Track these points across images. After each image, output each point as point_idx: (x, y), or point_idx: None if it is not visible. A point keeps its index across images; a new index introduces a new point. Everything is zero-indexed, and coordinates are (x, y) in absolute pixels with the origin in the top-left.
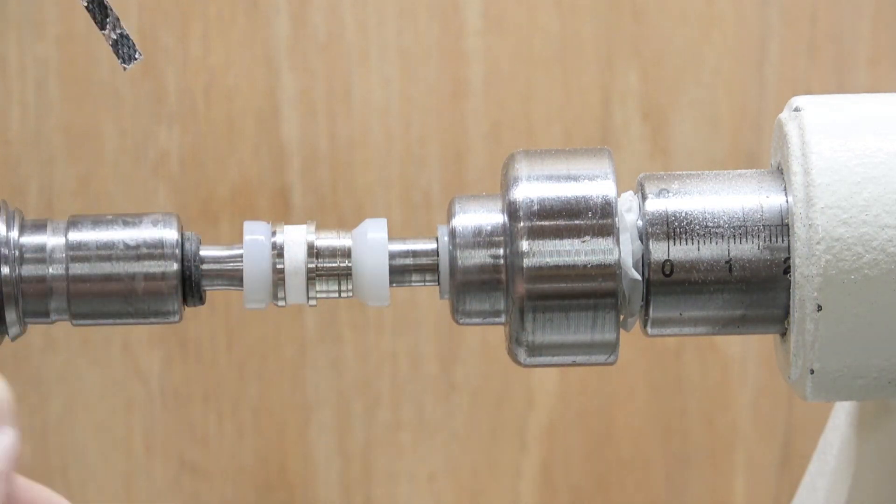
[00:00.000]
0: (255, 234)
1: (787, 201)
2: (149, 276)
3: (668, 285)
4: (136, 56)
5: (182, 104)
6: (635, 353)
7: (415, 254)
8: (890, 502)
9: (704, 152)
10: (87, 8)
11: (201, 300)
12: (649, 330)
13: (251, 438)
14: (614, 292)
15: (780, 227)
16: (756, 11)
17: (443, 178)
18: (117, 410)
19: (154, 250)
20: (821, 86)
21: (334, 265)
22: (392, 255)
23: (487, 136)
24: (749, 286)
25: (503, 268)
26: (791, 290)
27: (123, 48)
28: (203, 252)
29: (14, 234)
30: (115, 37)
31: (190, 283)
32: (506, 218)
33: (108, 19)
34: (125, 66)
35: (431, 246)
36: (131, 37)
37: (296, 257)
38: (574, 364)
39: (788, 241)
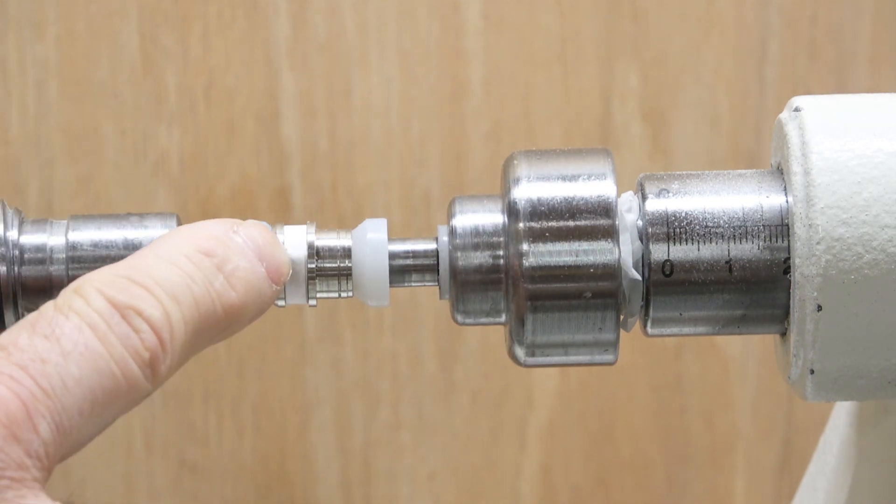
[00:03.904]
0: None
1: (787, 201)
2: None
3: (668, 285)
4: None
5: (182, 104)
6: (635, 353)
7: (415, 254)
8: (890, 502)
9: (704, 152)
10: None
11: None
12: (649, 330)
13: (251, 438)
14: (614, 292)
15: (780, 227)
16: (756, 11)
17: (443, 178)
18: None
19: None
20: (821, 86)
21: (334, 265)
22: (392, 256)
23: (487, 136)
24: (749, 286)
25: (503, 268)
26: (791, 290)
27: None
28: None
29: (13, 233)
30: None
31: None
32: (506, 218)
33: None
34: None
35: (431, 246)
36: (131, 37)
37: (296, 258)
38: (574, 364)
39: (788, 241)
